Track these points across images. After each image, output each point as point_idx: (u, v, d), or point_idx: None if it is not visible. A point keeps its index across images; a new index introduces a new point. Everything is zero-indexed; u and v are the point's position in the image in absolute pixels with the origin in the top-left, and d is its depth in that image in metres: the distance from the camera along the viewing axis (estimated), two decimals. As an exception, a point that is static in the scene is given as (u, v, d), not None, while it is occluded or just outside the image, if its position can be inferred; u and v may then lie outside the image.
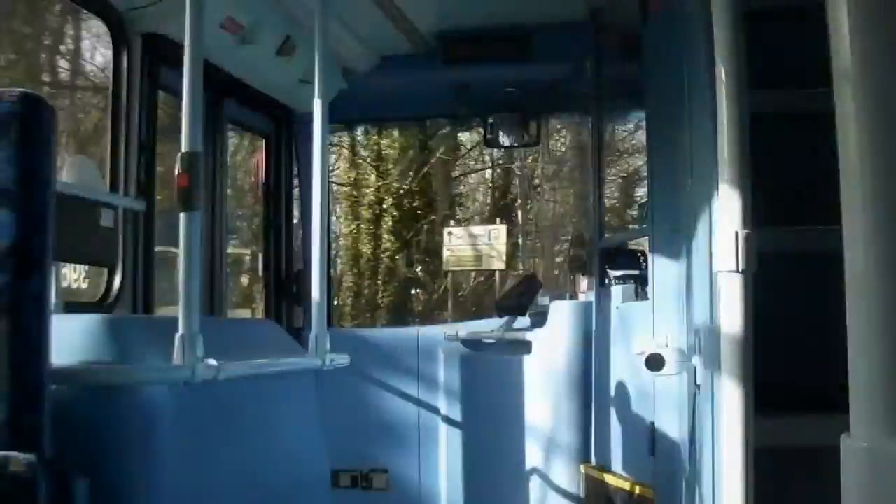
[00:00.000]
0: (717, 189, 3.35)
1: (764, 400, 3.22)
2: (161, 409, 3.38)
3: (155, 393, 3.34)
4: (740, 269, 3.15)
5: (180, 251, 3.23)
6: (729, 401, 3.16)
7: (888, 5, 1.63)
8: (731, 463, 3.16)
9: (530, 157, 22.03)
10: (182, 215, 3.18)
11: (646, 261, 5.20)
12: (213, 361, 3.26)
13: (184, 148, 3.17)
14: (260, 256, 6.98)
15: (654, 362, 4.03)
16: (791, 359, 3.31)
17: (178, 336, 3.18)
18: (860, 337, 1.65)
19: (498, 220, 17.81)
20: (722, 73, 3.17)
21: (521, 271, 17.50)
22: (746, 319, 3.16)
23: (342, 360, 4.84)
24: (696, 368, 3.88)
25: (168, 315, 3.86)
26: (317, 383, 4.71)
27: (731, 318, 3.17)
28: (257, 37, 5.33)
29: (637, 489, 4.92)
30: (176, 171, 3.13)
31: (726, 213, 3.20)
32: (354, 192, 21.99)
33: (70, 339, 3.18)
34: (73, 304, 4.73)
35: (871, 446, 1.66)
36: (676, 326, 4.16)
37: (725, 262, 3.17)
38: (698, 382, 3.85)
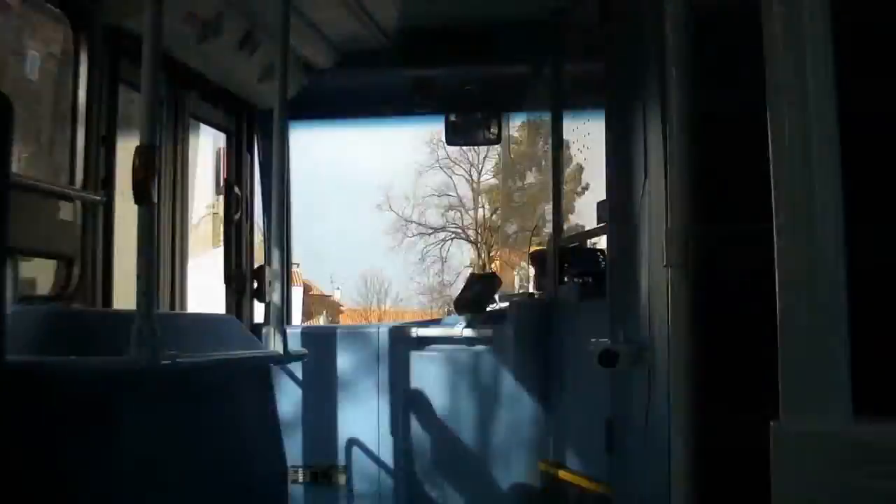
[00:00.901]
0: (668, 187, 3.39)
1: (717, 396, 3.25)
2: (117, 400, 3.39)
3: (112, 384, 3.35)
4: (688, 265, 3.19)
5: (136, 244, 3.24)
6: (679, 396, 3.20)
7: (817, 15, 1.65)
8: (682, 459, 3.19)
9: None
10: (138, 208, 3.19)
11: (604, 259, 5.23)
12: (169, 352, 3.28)
13: (140, 141, 3.18)
14: (221, 253, 6.95)
15: (607, 358, 4.07)
16: (742, 352, 3.34)
17: (134, 328, 3.19)
18: (789, 322, 1.67)
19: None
20: (672, 72, 3.21)
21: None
22: (693, 314, 3.19)
23: (300, 352, 4.84)
24: (651, 365, 3.92)
25: (126, 309, 3.86)
26: (275, 380, 4.71)
27: (679, 312, 3.20)
28: (219, 31, 5.33)
29: (595, 487, 4.95)
30: (132, 165, 3.14)
31: (675, 209, 3.24)
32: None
33: (26, 332, 3.17)
34: (29, 298, 4.71)
35: (801, 429, 1.68)
36: (633, 323, 4.20)
37: (674, 258, 3.21)
38: (652, 378, 3.89)
